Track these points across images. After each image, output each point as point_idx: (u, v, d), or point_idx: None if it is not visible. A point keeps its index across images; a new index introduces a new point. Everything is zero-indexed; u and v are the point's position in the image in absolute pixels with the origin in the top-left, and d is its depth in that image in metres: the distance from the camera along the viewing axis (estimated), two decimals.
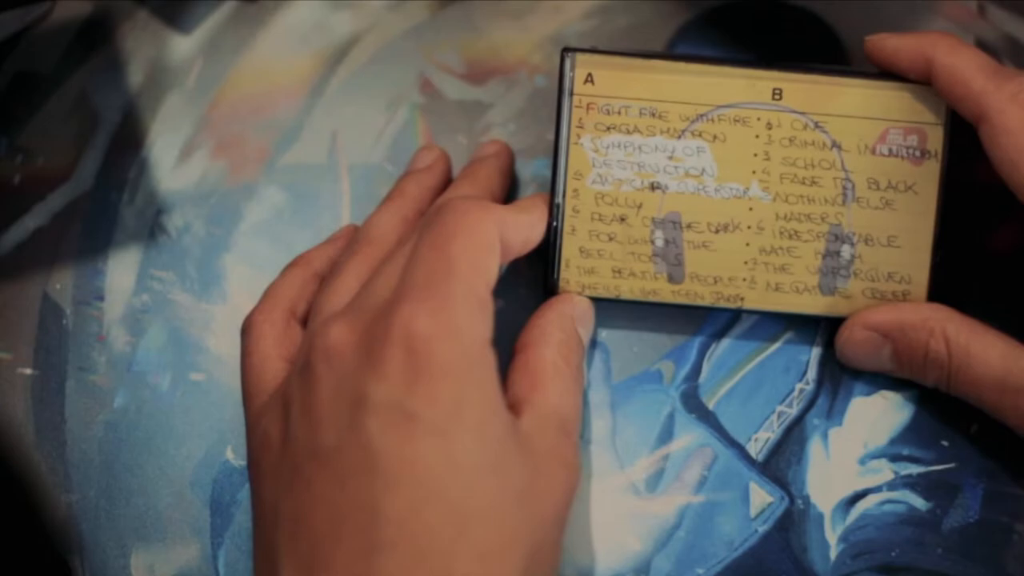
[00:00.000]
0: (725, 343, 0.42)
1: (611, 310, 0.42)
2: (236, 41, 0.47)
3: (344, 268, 0.39)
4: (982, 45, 0.46)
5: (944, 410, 0.41)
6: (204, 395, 0.43)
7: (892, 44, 0.39)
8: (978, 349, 0.37)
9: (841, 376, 0.42)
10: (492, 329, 0.34)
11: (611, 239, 0.40)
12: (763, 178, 0.40)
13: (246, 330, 0.39)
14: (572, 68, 0.40)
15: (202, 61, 0.47)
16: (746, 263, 0.40)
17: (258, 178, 0.45)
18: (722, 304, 0.40)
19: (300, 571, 0.32)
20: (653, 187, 0.40)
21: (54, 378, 0.43)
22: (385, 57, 0.47)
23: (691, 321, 0.43)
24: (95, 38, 0.47)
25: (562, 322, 0.39)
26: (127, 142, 0.46)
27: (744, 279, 0.40)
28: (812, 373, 0.42)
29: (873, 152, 0.40)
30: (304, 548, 0.33)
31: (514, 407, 0.36)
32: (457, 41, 0.47)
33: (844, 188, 0.40)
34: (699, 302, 0.40)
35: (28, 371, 0.43)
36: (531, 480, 0.33)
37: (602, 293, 0.40)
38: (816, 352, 0.42)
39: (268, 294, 0.40)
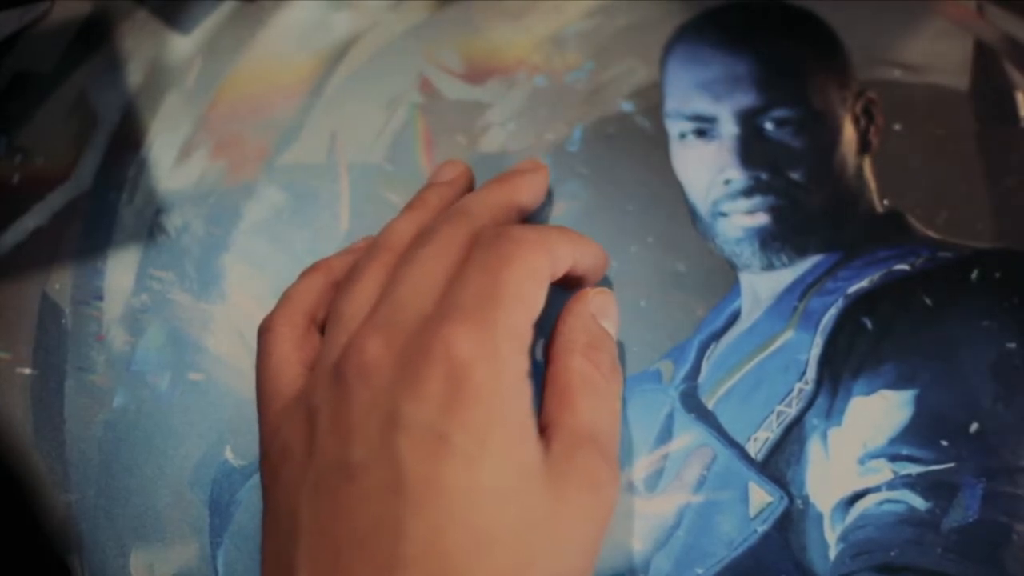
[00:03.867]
0: (724, 343, 0.42)
1: None
2: (235, 41, 0.47)
3: (363, 274, 0.38)
4: (981, 44, 0.46)
5: (944, 410, 0.41)
6: (203, 395, 0.43)
7: None
8: None
9: (840, 376, 0.42)
10: (529, 360, 0.35)
11: None
12: None
13: (264, 331, 0.39)
14: None
15: (201, 61, 0.47)
16: None
17: (257, 178, 0.45)
18: None
19: None
20: None
21: (53, 378, 0.43)
22: (384, 57, 0.47)
23: (690, 321, 0.43)
24: (94, 38, 0.47)
25: (584, 323, 0.39)
26: (126, 142, 0.46)
27: None
28: (811, 373, 0.42)
29: None
30: (324, 559, 0.33)
31: (546, 429, 0.36)
32: (456, 41, 0.47)
33: None
34: None
35: (27, 371, 0.43)
36: (554, 507, 0.34)
37: None
38: (816, 352, 0.42)
39: (287, 297, 0.39)
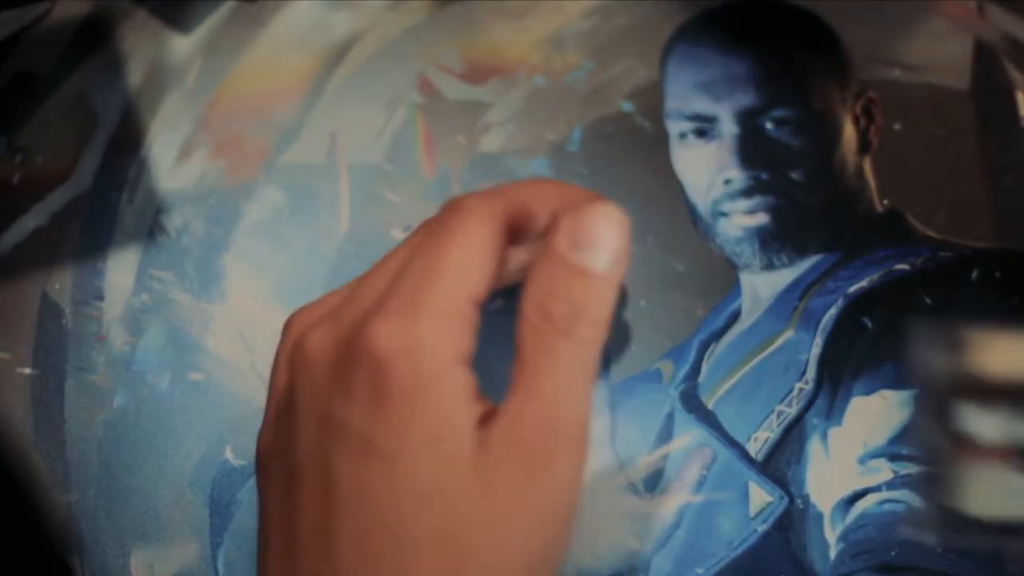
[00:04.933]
0: (724, 343, 0.42)
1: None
2: (235, 41, 0.47)
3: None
4: (981, 44, 0.46)
5: (944, 410, 0.41)
6: (203, 395, 0.43)
7: None
8: None
9: (840, 375, 0.42)
10: (469, 342, 0.32)
11: None
12: None
13: (284, 327, 0.37)
14: None
15: (201, 61, 0.47)
16: None
17: (257, 178, 0.45)
18: None
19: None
20: None
21: (53, 378, 0.43)
22: (384, 57, 0.47)
23: (691, 321, 0.43)
24: (94, 38, 0.47)
25: (548, 268, 0.32)
26: (126, 142, 0.46)
27: None
28: (811, 373, 0.42)
29: None
30: (284, 560, 0.33)
31: (499, 411, 0.32)
32: (456, 41, 0.47)
33: None
34: None
35: (27, 371, 0.43)
36: (486, 501, 0.31)
37: None
38: (816, 351, 0.42)
39: (321, 298, 0.39)
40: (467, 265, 0.32)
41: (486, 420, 0.32)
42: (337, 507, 0.31)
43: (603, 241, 0.32)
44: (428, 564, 0.31)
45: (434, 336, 0.32)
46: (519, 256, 0.35)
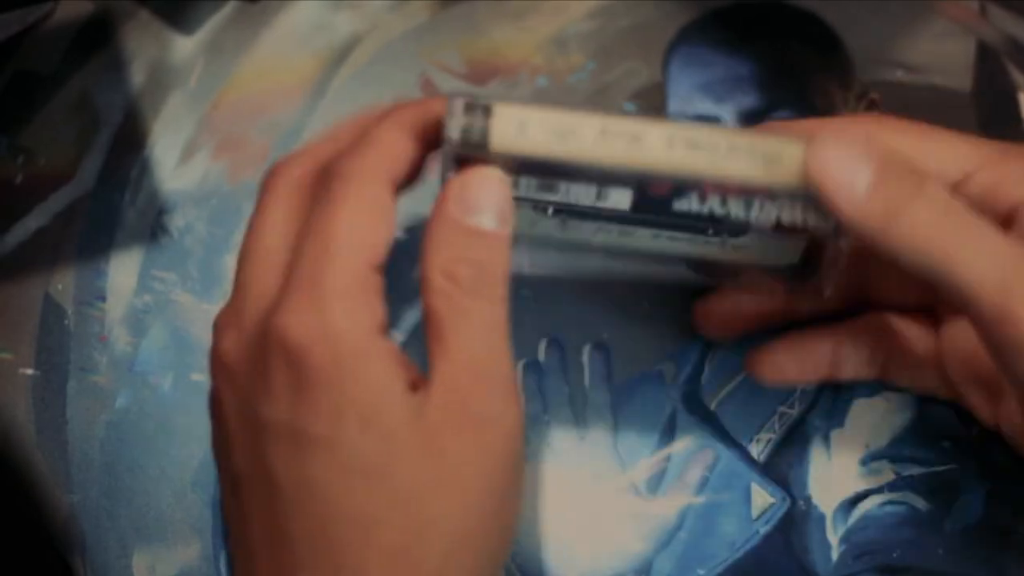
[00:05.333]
0: (727, 344, 0.42)
1: (611, 311, 0.43)
2: (238, 41, 0.47)
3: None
4: (983, 45, 0.46)
5: (946, 411, 0.41)
6: (205, 395, 0.42)
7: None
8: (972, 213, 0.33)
9: None
10: (381, 309, 0.32)
11: None
12: None
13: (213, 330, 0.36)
14: None
15: (204, 61, 0.47)
16: None
17: (259, 178, 0.45)
18: None
19: None
20: None
21: (56, 378, 0.43)
22: (386, 57, 0.47)
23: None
24: (97, 38, 0.47)
25: (441, 230, 0.32)
26: (129, 142, 0.46)
27: None
28: None
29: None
30: (244, 561, 0.33)
31: (428, 377, 0.32)
32: (458, 41, 0.47)
33: None
34: None
35: (29, 371, 0.43)
36: (433, 467, 0.31)
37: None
38: None
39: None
40: (359, 233, 0.32)
41: (416, 386, 0.32)
42: (283, 505, 0.31)
43: (491, 201, 0.33)
44: (388, 538, 0.31)
45: (345, 315, 0.31)
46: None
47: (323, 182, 0.33)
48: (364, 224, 0.32)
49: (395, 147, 0.33)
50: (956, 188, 0.34)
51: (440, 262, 0.32)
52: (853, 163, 0.32)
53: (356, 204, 0.32)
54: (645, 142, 0.33)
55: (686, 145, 0.33)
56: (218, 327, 0.33)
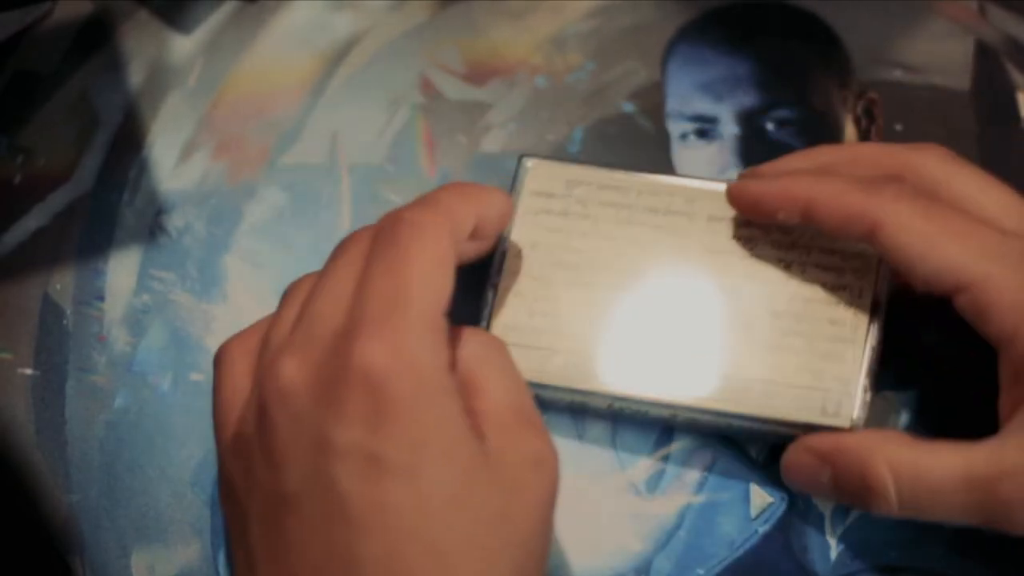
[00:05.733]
0: None
1: None
2: (237, 41, 0.47)
3: (290, 295, 0.37)
4: (982, 45, 0.46)
5: (946, 411, 0.41)
6: (205, 395, 0.42)
7: (754, 192, 0.38)
8: (930, 461, 0.35)
9: None
10: (450, 353, 0.34)
11: None
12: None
13: (217, 360, 0.37)
14: None
15: (203, 61, 0.47)
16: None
17: (258, 178, 0.45)
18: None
19: None
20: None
21: (55, 378, 0.43)
22: (385, 57, 0.47)
23: None
24: (96, 38, 0.47)
25: None
26: (128, 142, 0.46)
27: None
28: None
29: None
30: None
31: (470, 419, 0.34)
32: (457, 41, 0.47)
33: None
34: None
35: (29, 371, 0.43)
36: (506, 500, 0.32)
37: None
38: None
39: (252, 325, 0.38)
40: (431, 278, 0.33)
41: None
42: (353, 527, 0.31)
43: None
44: (463, 566, 0.31)
45: (423, 349, 0.32)
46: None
47: (387, 228, 0.34)
48: (434, 271, 0.34)
49: (459, 212, 0.35)
50: None
51: (468, 334, 0.35)
52: (814, 472, 0.37)
53: (431, 250, 0.34)
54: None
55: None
56: (275, 356, 0.34)
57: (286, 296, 0.37)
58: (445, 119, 0.46)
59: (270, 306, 0.41)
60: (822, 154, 0.40)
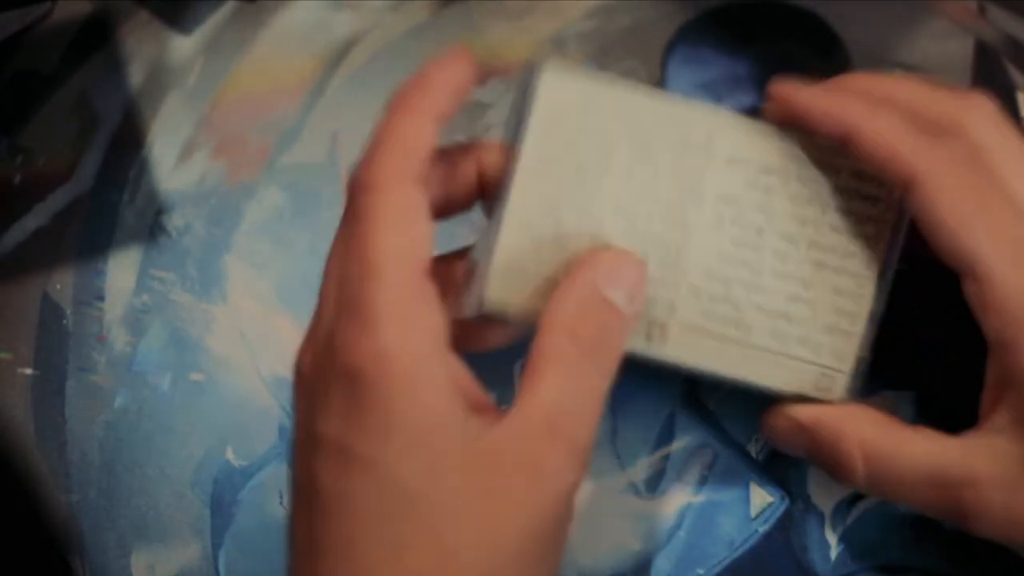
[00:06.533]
0: None
1: None
2: (236, 41, 0.47)
3: None
4: (982, 45, 0.46)
5: (945, 411, 0.41)
6: (204, 395, 0.43)
7: (802, 100, 0.37)
8: (901, 449, 0.35)
9: None
10: (438, 318, 0.32)
11: None
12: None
13: None
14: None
15: (202, 61, 0.47)
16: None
17: (258, 178, 0.45)
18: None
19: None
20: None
21: (54, 378, 0.43)
22: (385, 57, 0.47)
23: None
24: (95, 38, 0.47)
25: (578, 293, 0.33)
26: (127, 142, 0.46)
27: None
28: None
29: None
30: (292, 561, 0.33)
31: (504, 414, 0.32)
32: (457, 41, 0.47)
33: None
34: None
35: (28, 371, 0.43)
36: (477, 501, 0.31)
37: None
38: None
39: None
40: (395, 243, 0.32)
41: (481, 409, 0.32)
42: (318, 516, 0.31)
43: (630, 282, 0.34)
44: (414, 564, 0.31)
45: (395, 335, 0.31)
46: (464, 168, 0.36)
47: (352, 195, 0.33)
48: (397, 233, 0.32)
49: (412, 139, 0.33)
50: None
51: (566, 317, 0.33)
52: (792, 437, 0.37)
53: (384, 214, 0.32)
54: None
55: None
56: (299, 351, 0.34)
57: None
58: None
59: (270, 306, 0.41)
60: (879, 85, 0.38)
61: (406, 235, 0.32)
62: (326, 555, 0.31)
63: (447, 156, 0.36)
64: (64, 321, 0.44)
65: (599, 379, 0.33)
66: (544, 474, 0.31)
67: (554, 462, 0.31)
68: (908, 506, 0.36)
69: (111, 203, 0.45)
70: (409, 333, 0.31)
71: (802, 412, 0.37)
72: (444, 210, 0.36)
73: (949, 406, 0.41)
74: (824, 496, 0.41)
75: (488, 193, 0.36)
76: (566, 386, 0.32)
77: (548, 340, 0.32)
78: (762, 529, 0.40)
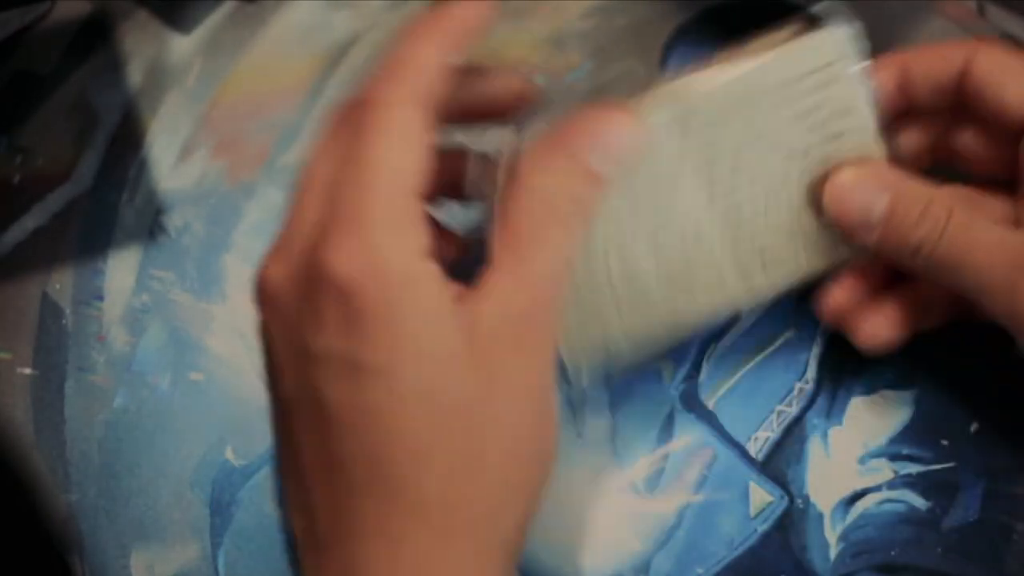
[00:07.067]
0: (725, 342, 0.42)
1: None
2: (236, 41, 0.47)
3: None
4: None
5: (944, 410, 0.41)
6: (204, 395, 0.43)
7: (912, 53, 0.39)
8: (980, 214, 0.36)
9: (841, 375, 0.42)
10: (425, 234, 0.32)
11: None
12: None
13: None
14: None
15: (202, 61, 0.47)
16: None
17: (258, 178, 0.45)
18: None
19: (303, 513, 0.33)
20: None
21: (54, 378, 0.43)
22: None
23: None
24: (95, 38, 0.47)
25: (563, 160, 0.33)
26: (126, 142, 0.46)
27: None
28: (812, 372, 0.42)
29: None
30: (302, 492, 0.33)
31: (487, 280, 0.33)
32: None
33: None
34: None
35: (28, 371, 0.43)
36: (487, 384, 0.32)
37: None
38: (816, 351, 0.42)
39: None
40: (394, 161, 0.32)
41: (463, 300, 0.32)
42: (338, 432, 0.31)
43: (619, 148, 0.34)
44: (445, 461, 0.31)
45: (390, 245, 0.32)
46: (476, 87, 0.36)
47: (354, 111, 0.33)
48: (398, 151, 0.32)
49: (425, 67, 0.33)
50: None
51: (545, 184, 0.33)
52: (868, 196, 0.37)
53: (388, 131, 0.32)
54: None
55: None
56: (265, 257, 0.34)
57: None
58: None
59: None
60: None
61: (408, 156, 0.32)
62: (353, 469, 0.31)
63: (468, 73, 0.36)
64: (63, 321, 0.44)
65: (573, 246, 0.33)
66: (537, 347, 0.33)
67: (543, 334, 0.33)
68: (966, 288, 0.36)
69: (110, 203, 0.45)
70: (401, 244, 0.32)
71: (885, 170, 0.38)
72: (461, 118, 0.36)
73: (949, 406, 0.41)
74: (824, 496, 0.41)
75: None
76: (544, 255, 0.33)
77: (523, 207, 0.33)
78: (761, 528, 0.40)
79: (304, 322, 0.32)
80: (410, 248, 0.32)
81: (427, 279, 0.32)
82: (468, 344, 0.32)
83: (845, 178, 0.37)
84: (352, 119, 0.33)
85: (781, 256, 0.39)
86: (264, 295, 0.34)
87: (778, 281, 0.39)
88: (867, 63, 0.37)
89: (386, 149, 0.32)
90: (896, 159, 0.38)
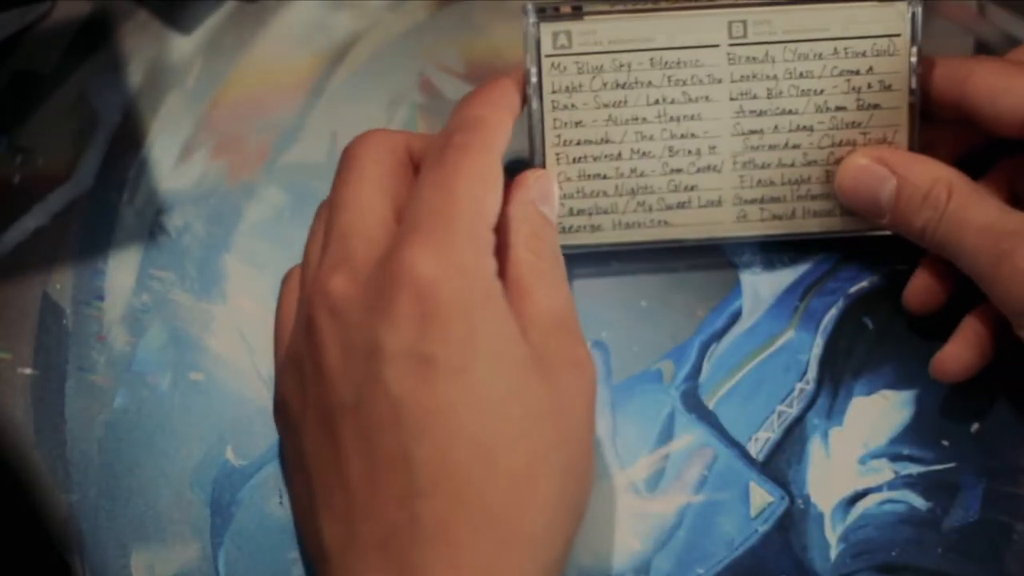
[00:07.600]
0: (725, 342, 0.42)
1: (609, 309, 0.43)
2: (236, 41, 0.47)
3: (318, 216, 0.40)
4: (982, 45, 0.46)
5: (944, 410, 0.41)
6: (204, 395, 0.43)
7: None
8: (977, 198, 0.38)
9: (841, 376, 0.42)
10: (494, 261, 0.35)
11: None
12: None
13: (284, 280, 0.40)
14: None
15: (202, 61, 0.47)
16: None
17: (258, 178, 0.45)
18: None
19: (340, 522, 0.33)
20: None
21: (54, 378, 0.43)
22: (385, 57, 0.47)
23: (691, 321, 0.43)
24: (95, 38, 0.47)
25: (525, 212, 0.38)
26: (127, 142, 0.46)
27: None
28: (812, 373, 0.42)
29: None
30: (341, 500, 0.33)
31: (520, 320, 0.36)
32: (457, 41, 0.47)
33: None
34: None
35: (28, 371, 0.43)
36: (552, 397, 0.34)
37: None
38: (816, 352, 0.42)
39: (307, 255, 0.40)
40: (478, 195, 0.35)
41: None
42: (407, 431, 0.32)
43: (554, 198, 0.40)
44: (511, 464, 0.32)
45: (471, 256, 0.34)
46: None
47: (436, 150, 0.36)
48: (484, 187, 0.35)
49: (502, 127, 0.37)
50: None
51: (524, 237, 0.37)
52: (877, 181, 0.40)
53: (478, 169, 0.35)
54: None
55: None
56: (323, 273, 0.35)
57: (317, 217, 0.39)
58: (445, 118, 0.45)
59: (270, 305, 0.41)
60: None
61: (489, 192, 0.35)
62: (418, 469, 0.32)
63: None
64: (64, 321, 0.44)
65: (565, 281, 0.38)
66: (581, 362, 0.36)
67: (581, 352, 0.36)
68: (966, 272, 0.38)
69: (111, 203, 0.45)
70: (481, 259, 0.34)
71: (892, 153, 0.40)
72: None
73: (949, 406, 0.41)
74: (824, 496, 0.41)
75: None
76: (552, 293, 0.36)
77: (518, 257, 0.36)
78: (762, 529, 0.40)
79: (375, 322, 0.33)
80: (488, 267, 0.34)
81: (501, 296, 0.34)
82: (533, 360, 0.34)
83: (857, 162, 0.40)
84: (434, 154, 0.36)
85: (779, 201, 0.41)
86: (328, 306, 0.34)
87: (769, 227, 0.41)
88: (919, 48, 0.40)
89: (470, 183, 0.35)
90: (920, 150, 0.40)
